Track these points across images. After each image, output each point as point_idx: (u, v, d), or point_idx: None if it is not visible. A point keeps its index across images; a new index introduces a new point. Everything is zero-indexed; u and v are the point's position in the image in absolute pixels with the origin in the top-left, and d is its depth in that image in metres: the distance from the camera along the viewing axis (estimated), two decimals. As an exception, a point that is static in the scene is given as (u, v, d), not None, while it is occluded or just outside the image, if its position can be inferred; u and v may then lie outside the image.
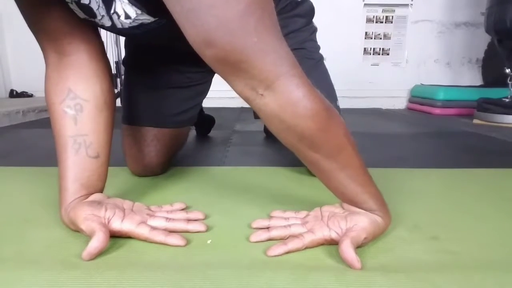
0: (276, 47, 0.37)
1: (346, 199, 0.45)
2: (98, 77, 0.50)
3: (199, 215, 0.49)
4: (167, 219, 0.45)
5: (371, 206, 0.43)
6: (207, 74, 0.77)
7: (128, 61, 0.76)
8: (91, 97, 0.49)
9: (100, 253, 0.39)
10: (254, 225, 0.47)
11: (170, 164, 0.77)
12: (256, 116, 1.36)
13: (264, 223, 0.47)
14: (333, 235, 0.41)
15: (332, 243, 0.41)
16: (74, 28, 0.48)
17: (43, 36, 0.48)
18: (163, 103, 0.72)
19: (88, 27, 0.50)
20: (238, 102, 2.38)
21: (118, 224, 0.42)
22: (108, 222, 0.42)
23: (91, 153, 0.47)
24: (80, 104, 0.48)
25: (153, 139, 0.71)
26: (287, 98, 0.38)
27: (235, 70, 0.37)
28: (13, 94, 2.39)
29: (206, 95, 0.81)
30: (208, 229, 0.46)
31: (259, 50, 0.36)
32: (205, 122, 1.26)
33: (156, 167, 0.72)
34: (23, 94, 2.39)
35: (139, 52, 0.73)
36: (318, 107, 0.39)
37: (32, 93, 2.43)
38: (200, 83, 0.77)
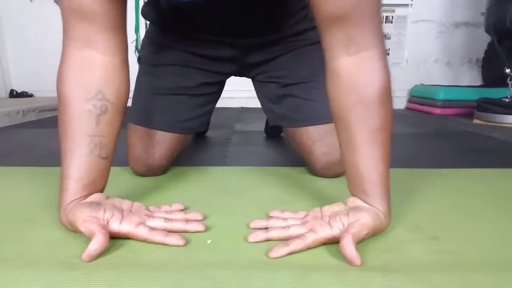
0: (379, 24, 0.44)
1: (358, 184, 0.45)
2: (124, 81, 0.51)
3: (198, 216, 0.49)
4: (166, 219, 0.45)
5: (376, 198, 0.44)
6: (220, 84, 0.80)
7: (145, 61, 0.76)
8: (116, 100, 0.49)
9: (100, 255, 0.39)
10: (252, 225, 0.47)
11: (171, 165, 0.77)
12: (267, 131, 1.36)
13: (262, 223, 0.47)
14: (335, 232, 0.41)
15: (335, 242, 0.41)
16: (118, 27, 0.49)
17: (87, 27, 0.46)
18: (175, 108, 0.73)
19: (125, 28, 0.51)
20: (238, 102, 2.38)
21: (117, 226, 0.42)
22: (107, 223, 0.42)
23: (103, 154, 0.47)
24: (106, 106, 0.48)
25: (159, 142, 0.71)
26: (369, 65, 0.44)
27: (342, 28, 0.43)
28: (13, 94, 2.39)
29: (216, 103, 0.83)
30: (207, 229, 0.46)
31: (371, 21, 0.43)
32: None
33: (158, 168, 0.72)
34: (23, 94, 2.39)
35: (162, 52, 0.74)
36: (387, 84, 0.45)
37: (32, 93, 2.43)
38: (212, 92, 0.79)
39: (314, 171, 0.73)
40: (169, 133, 0.72)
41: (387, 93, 0.44)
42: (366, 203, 0.44)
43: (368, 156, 0.44)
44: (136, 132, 0.72)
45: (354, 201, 0.45)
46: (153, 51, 0.75)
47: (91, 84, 0.47)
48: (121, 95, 0.50)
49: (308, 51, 0.75)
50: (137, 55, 0.83)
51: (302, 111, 0.73)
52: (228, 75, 0.81)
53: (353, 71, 0.44)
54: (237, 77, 0.84)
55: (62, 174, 0.46)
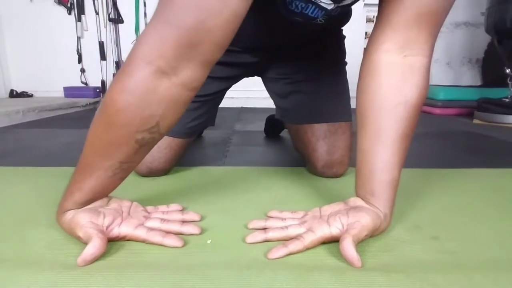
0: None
1: (366, 183, 0.45)
2: (183, 113, 0.45)
3: (195, 217, 0.49)
4: (162, 220, 0.45)
5: (381, 199, 0.44)
6: (228, 89, 0.80)
7: None
8: (165, 132, 0.44)
9: (96, 260, 0.38)
10: (250, 225, 0.47)
11: (173, 167, 0.77)
12: (267, 131, 1.34)
13: (260, 223, 0.47)
14: (334, 231, 0.41)
15: (333, 240, 0.41)
16: (214, 63, 0.43)
17: (189, 54, 0.39)
18: (186, 115, 0.72)
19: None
20: (238, 102, 2.38)
21: (117, 230, 0.42)
22: (107, 228, 0.42)
23: (124, 175, 0.45)
24: (154, 138, 0.43)
25: (167, 147, 0.71)
26: (419, 72, 0.45)
27: (420, 27, 0.44)
28: (13, 94, 2.39)
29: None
30: (202, 231, 0.46)
31: (438, 29, 0.45)
32: None
33: (161, 171, 0.72)
34: (23, 94, 2.40)
35: None
36: (426, 95, 0.46)
37: (32, 93, 2.43)
38: (223, 94, 0.80)
39: (314, 170, 0.73)
40: (177, 139, 0.72)
41: (424, 102, 0.46)
42: (369, 203, 0.44)
43: (389, 160, 0.44)
44: None
45: (355, 201, 0.45)
46: None
47: (151, 117, 0.41)
48: (174, 125, 0.45)
49: (322, 54, 0.76)
50: None
51: (309, 108, 0.73)
52: (241, 77, 0.81)
53: (405, 72, 0.45)
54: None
55: (73, 179, 0.44)
